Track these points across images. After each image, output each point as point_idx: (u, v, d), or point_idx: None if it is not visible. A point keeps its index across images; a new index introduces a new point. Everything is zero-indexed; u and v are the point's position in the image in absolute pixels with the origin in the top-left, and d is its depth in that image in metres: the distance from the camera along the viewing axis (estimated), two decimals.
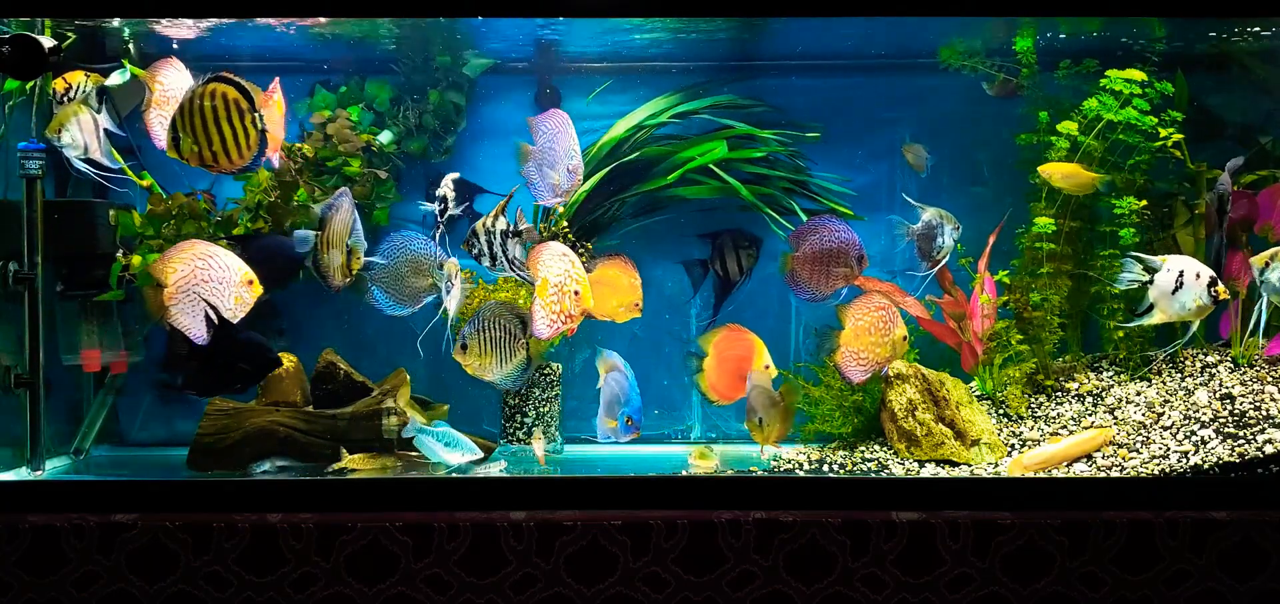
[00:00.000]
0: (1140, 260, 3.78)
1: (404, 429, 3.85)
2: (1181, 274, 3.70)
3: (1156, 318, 3.77)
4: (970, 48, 4.30)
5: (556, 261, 3.77)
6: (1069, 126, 4.08)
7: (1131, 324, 3.95)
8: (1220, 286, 3.68)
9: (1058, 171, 4.09)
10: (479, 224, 3.83)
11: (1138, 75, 4.00)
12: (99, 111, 3.87)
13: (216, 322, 3.65)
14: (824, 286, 3.98)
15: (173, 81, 3.87)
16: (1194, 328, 3.79)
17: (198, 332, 3.68)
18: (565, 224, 4.25)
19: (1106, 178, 4.11)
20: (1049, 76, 4.23)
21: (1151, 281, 3.75)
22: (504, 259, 3.81)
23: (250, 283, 3.70)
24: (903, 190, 4.44)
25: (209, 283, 3.67)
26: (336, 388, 4.05)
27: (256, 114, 3.59)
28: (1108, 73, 4.05)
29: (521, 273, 3.85)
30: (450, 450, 3.79)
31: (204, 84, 3.57)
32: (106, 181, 3.94)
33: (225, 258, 3.69)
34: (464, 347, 3.84)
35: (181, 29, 4.04)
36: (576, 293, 3.74)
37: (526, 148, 3.95)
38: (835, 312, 3.94)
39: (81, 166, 3.87)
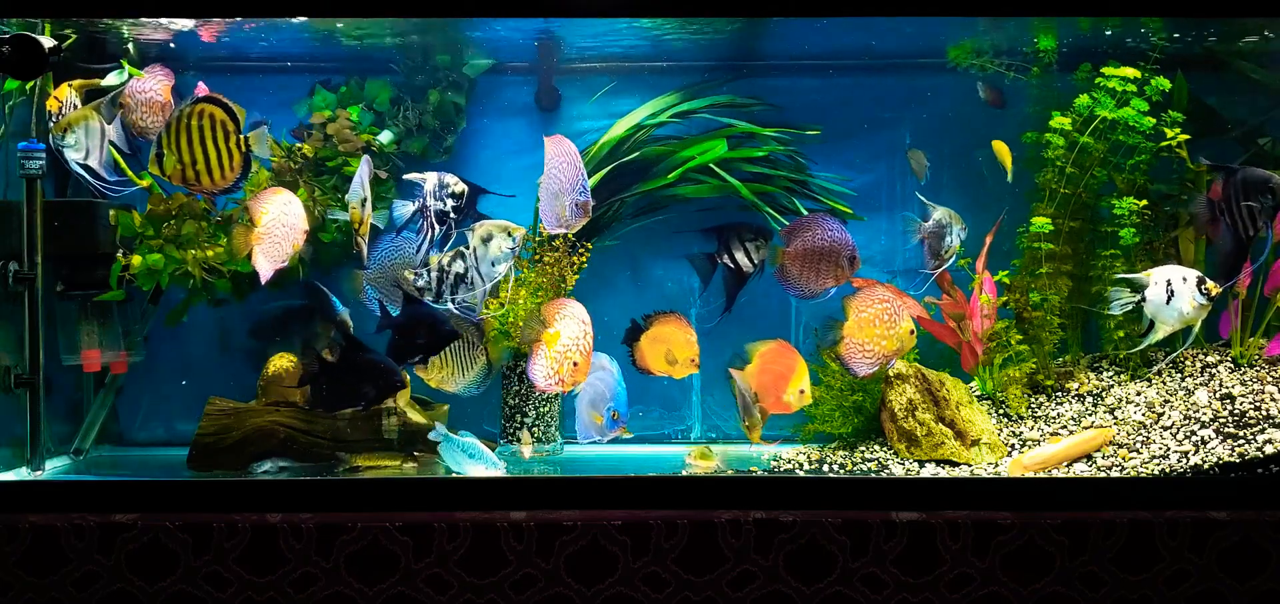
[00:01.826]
0: (1126, 282, 3.78)
1: (431, 433, 3.85)
2: (1169, 284, 3.70)
3: (1161, 332, 3.77)
4: (978, 47, 4.30)
5: (572, 325, 3.77)
6: (1063, 121, 4.09)
7: (1140, 347, 3.94)
8: (1210, 283, 3.68)
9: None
10: (434, 259, 3.83)
11: (1131, 73, 4.00)
12: (110, 122, 3.86)
13: (344, 342, 3.75)
14: (813, 284, 3.97)
15: (151, 87, 3.92)
16: (1197, 329, 3.79)
17: (267, 272, 3.78)
18: None
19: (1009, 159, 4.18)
20: (1066, 77, 4.22)
21: (1144, 300, 3.75)
22: (448, 299, 3.82)
23: (305, 233, 3.87)
24: (909, 191, 4.45)
25: (287, 225, 3.81)
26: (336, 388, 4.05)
27: (242, 137, 3.63)
28: (1101, 70, 4.06)
29: (466, 313, 3.87)
30: (474, 463, 3.79)
31: (191, 104, 3.60)
32: (102, 191, 3.94)
33: (298, 207, 3.86)
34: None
35: (180, 28, 4.05)
36: (574, 365, 3.75)
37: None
38: (841, 303, 3.94)
39: (78, 170, 3.86)
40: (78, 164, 3.84)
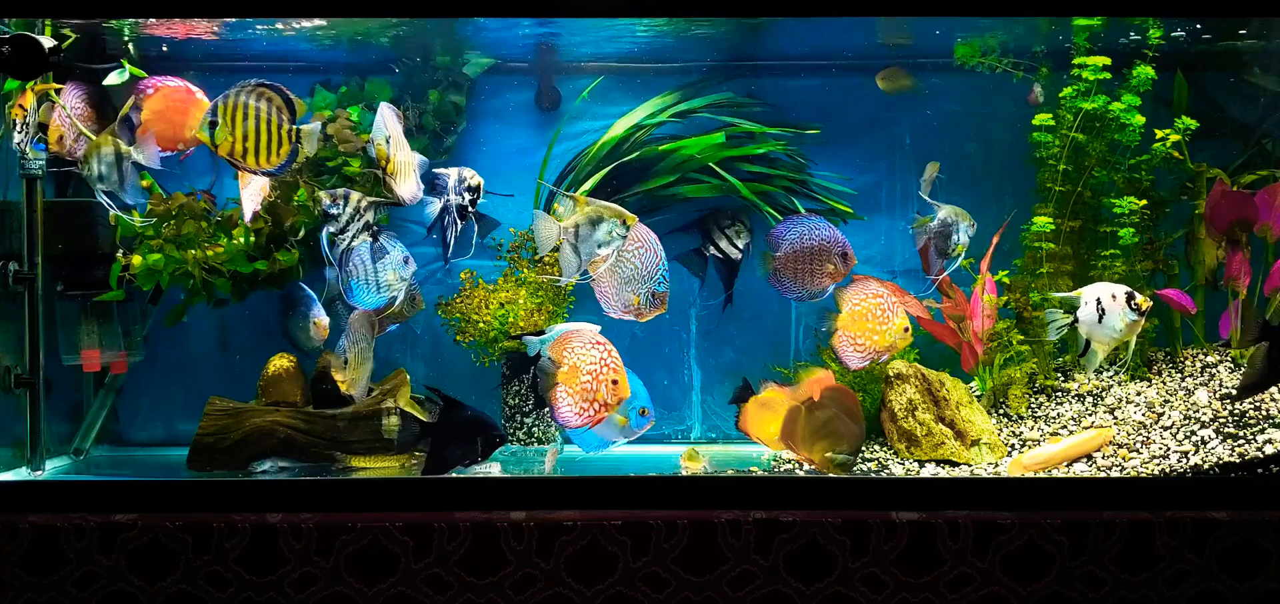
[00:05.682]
0: (1059, 301, 3.80)
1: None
2: (1099, 302, 3.72)
3: (1100, 352, 3.78)
4: (985, 46, 4.29)
5: (589, 350, 3.60)
6: (1046, 118, 4.10)
7: (1088, 371, 3.96)
8: (1140, 297, 3.69)
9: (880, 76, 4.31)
10: (355, 197, 3.80)
11: (1103, 60, 4.00)
12: (129, 143, 3.82)
13: (442, 404, 3.71)
14: (809, 286, 3.97)
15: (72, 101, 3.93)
16: (1134, 346, 3.81)
17: (249, 213, 4.04)
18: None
19: (914, 82, 4.26)
20: (1073, 77, 4.23)
21: (1077, 320, 3.75)
22: (356, 231, 3.78)
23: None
24: (910, 190, 4.45)
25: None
26: (336, 388, 4.04)
27: (295, 127, 3.64)
28: (1075, 60, 4.05)
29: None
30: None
31: (253, 84, 3.63)
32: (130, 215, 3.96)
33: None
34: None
35: (180, 28, 4.04)
36: (614, 383, 3.57)
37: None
38: (833, 296, 3.94)
39: (104, 201, 3.85)
40: (104, 193, 3.82)
